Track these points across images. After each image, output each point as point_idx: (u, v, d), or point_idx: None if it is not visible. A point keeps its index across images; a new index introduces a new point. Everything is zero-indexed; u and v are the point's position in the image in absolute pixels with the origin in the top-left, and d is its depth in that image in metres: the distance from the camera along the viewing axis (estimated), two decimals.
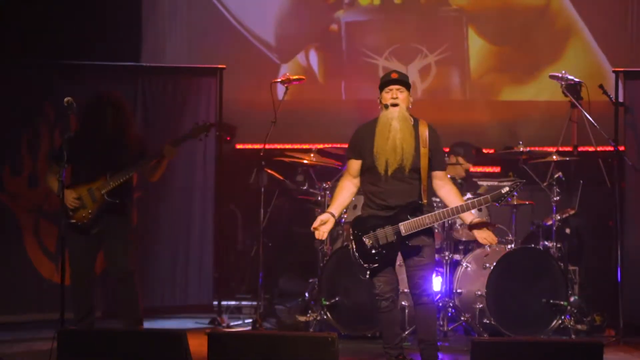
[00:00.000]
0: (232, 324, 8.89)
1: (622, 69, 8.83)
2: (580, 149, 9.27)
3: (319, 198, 8.70)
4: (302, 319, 8.33)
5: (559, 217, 8.46)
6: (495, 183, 8.73)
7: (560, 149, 8.84)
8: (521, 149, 8.54)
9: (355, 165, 6.56)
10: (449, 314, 8.26)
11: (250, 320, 8.73)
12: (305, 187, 9.24)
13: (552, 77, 8.48)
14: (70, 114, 6.89)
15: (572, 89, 8.44)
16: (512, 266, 8.06)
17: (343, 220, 8.25)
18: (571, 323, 8.03)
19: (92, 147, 7.32)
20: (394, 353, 6.51)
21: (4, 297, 8.71)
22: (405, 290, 7.32)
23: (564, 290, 8.02)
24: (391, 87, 6.46)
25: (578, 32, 10.34)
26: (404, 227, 6.34)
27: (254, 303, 9.04)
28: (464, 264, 8.34)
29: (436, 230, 7.62)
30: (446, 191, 6.53)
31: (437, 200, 6.96)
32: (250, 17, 10.57)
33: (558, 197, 8.40)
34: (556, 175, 8.37)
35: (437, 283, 8.17)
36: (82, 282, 7.39)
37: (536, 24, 10.44)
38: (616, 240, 8.29)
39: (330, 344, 5.89)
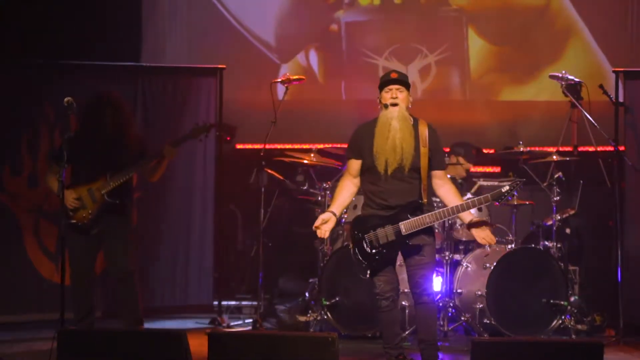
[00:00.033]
0: (232, 324, 8.89)
1: (622, 69, 8.83)
2: (580, 149, 9.28)
3: (319, 198, 8.70)
4: (302, 319, 8.32)
5: (559, 217, 8.46)
6: (495, 183, 8.72)
7: (561, 149, 8.84)
8: (521, 149, 8.54)
9: (355, 165, 6.56)
10: (449, 314, 8.25)
11: (250, 320, 8.74)
12: (305, 187, 9.23)
13: (552, 77, 8.47)
14: (70, 114, 6.88)
15: (572, 89, 8.44)
16: (512, 266, 8.05)
17: (343, 220, 8.25)
18: (571, 323, 8.03)
19: (92, 147, 7.32)
20: (394, 353, 6.50)
21: (4, 297, 8.71)
22: (406, 290, 7.33)
23: (564, 290, 8.02)
24: (391, 86, 6.46)
25: (578, 32, 10.33)
26: (404, 226, 6.34)
27: (254, 303, 9.04)
28: (464, 264, 8.33)
29: (436, 230, 7.60)
30: (445, 190, 6.53)
31: (437, 199, 6.95)
32: (250, 17, 10.57)
33: (558, 197, 8.39)
34: (556, 175, 8.37)
35: (437, 283, 8.16)
36: (82, 282, 7.39)
37: (536, 24, 10.44)
38: (616, 240, 8.28)
39: (331, 344, 5.88)
